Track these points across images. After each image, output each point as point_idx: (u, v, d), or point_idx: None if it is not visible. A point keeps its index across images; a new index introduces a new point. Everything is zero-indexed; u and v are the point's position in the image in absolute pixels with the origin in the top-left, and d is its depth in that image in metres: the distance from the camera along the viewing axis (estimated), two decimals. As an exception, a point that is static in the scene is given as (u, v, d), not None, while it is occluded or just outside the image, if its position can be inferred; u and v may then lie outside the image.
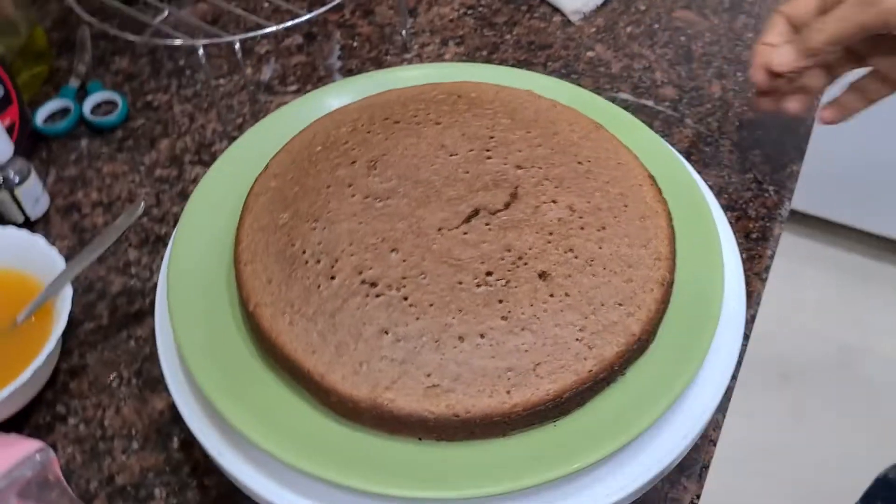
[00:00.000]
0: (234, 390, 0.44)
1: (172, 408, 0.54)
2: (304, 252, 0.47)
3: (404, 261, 0.46)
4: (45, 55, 0.80)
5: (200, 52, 0.61)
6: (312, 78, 0.78)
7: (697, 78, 0.77)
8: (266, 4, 0.86)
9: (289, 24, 0.63)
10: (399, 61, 0.80)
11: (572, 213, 0.49)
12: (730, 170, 0.69)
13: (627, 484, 0.43)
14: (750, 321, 0.59)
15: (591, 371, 0.42)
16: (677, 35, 0.82)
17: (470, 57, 0.80)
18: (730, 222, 0.63)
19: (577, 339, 0.43)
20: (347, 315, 0.44)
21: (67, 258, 0.63)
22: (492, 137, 0.53)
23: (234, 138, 0.72)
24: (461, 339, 0.43)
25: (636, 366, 0.45)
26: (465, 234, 0.47)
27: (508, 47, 0.81)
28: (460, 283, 0.45)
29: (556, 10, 0.85)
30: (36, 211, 0.66)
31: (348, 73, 0.79)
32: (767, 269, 0.63)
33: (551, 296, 0.44)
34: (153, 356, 0.58)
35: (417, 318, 0.43)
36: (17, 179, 0.64)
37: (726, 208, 0.66)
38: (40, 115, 0.74)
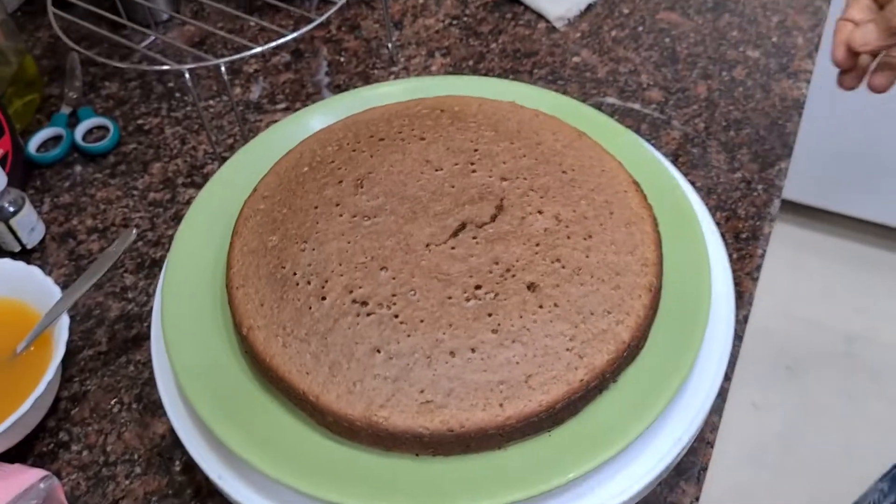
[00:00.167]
0: (232, 414, 0.44)
1: (173, 431, 0.54)
2: (294, 273, 0.47)
3: (394, 278, 0.46)
4: (36, 83, 0.81)
5: (187, 76, 0.61)
6: (301, 95, 0.79)
7: (683, 79, 0.78)
8: (252, 24, 0.86)
9: (273, 45, 0.63)
10: (386, 75, 0.81)
11: (558, 222, 0.49)
12: (718, 170, 0.70)
13: (624, 490, 0.44)
14: (742, 321, 0.59)
15: (582, 380, 0.43)
16: (662, 37, 0.82)
17: (456, 67, 0.81)
18: (719, 223, 0.64)
19: (567, 349, 0.44)
20: (339, 335, 0.44)
21: (65, 285, 0.64)
22: (476, 150, 0.53)
23: (226, 159, 0.73)
24: (452, 354, 0.43)
25: (627, 373, 0.45)
26: (453, 248, 0.48)
27: (494, 56, 0.82)
28: (450, 297, 0.45)
29: (540, 16, 0.85)
30: (32, 239, 0.67)
31: (336, 88, 0.80)
32: (759, 268, 0.64)
33: (540, 307, 0.45)
34: (152, 381, 0.58)
35: (409, 335, 0.44)
36: (11, 210, 0.65)
37: (715, 209, 0.67)
38: (33, 144, 0.75)
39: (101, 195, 0.72)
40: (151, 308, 0.63)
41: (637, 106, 0.75)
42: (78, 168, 0.74)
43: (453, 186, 0.51)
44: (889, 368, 1.64)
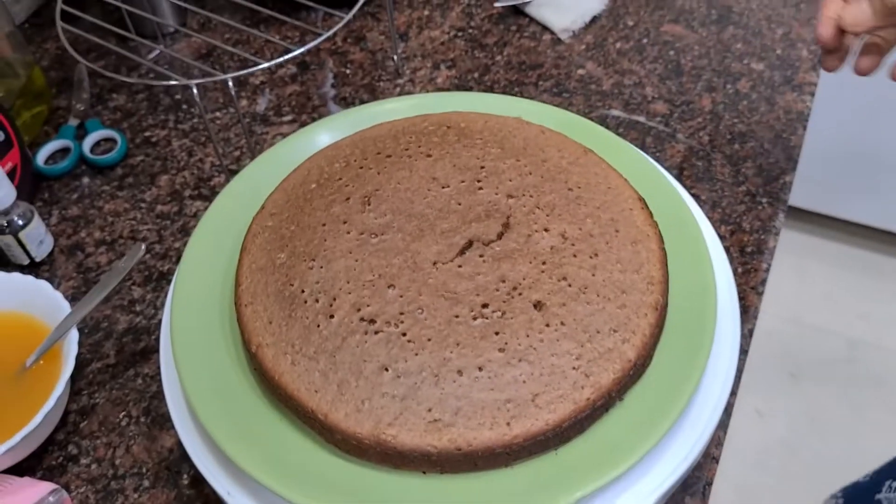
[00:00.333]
0: (241, 430, 0.45)
1: (181, 445, 0.54)
2: (302, 291, 0.48)
3: (401, 296, 0.47)
4: (44, 95, 0.82)
5: (195, 91, 0.62)
6: (307, 107, 0.79)
7: (688, 92, 0.78)
8: (258, 36, 0.87)
9: (281, 59, 0.64)
10: (392, 87, 0.81)
11: (564, 240, 0.49)
12: (723, 183, 0.70)
13: (630, 507, 0.44)
14: (748, 335, 0.60)
15: (589, 399, 0.43)
16: (666, 49, 0.83)
17: (462, 80, 0.81)
18: (724, 236, 0.64)
19: (573, 368, 0.44)
20: (348, 353, 0.45)
21: (73, 298, 0.65)
22: (482, 167, 0.54)
23: (233, 171, 0.73)
24: (460, 372, 0.44)
25: (634, 391, 0.46)
26: (460, 266, 0.48)
27: (500, 68, 0.82)
28: (457, 316, 0.46)
29: (545, 29, 0.86)
30: (40, 252, 0.67)
31: (342, 100, 0.80)
32: (763, 282, 0.64)
33: (547, 325, 0.45)
34: (160, 394, 0.59)
35: (416, 354, 0.44)
36: (20, 223, 0.65)
37: (720, 222, 0.67)
38: (41, 156, 0.76)
39: (109, 207, 0.72)
40: (159, 321, 0.63)
41: (642, 118, 0.76)
42: (86, 180, 0.75)
43: (460, 204, 0.51)
44: (892, 374, 1.63)
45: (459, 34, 0.86)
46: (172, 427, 0.55)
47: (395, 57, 0.83)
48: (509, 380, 0.43)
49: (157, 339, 0.62)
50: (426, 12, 0.89)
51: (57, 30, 0.70)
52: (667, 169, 0.59)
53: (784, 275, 1.77)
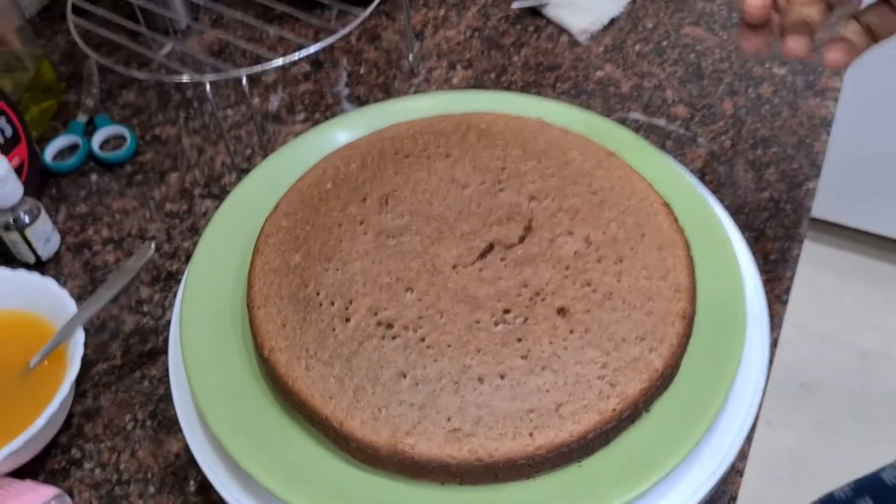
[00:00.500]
0: (251, 436, 0.43)
1: (188, 449, 0.53)
2: (317, 294, 0.46)
3: (420, 300, 0.45)
4: (54, 89, 0.80)
5: (207, 87, 0.60)
6: (321, 106, 0.78)
7: (709, 95, 0.76)
8: (271, 33, 0.85)
9: (297, 56, 0.62)
10: (406, 86, 0.80)
11: (588, 245, 0.48)
12: (745, 189, 0.68)
13: (655, 523, 0.42)
14: (773, 345, 0.58)
15: (615, 410, 0.41)
16: (686, 52, 0.81)
17: (478, 80, 0.80)
18: (748, 244, 0.63)
19: (599, 377, 0.42)
20: (364, 358, 0.43)
21: (79, 297, 0.63)
22: (503, 169, 0.52)
23: (244, 170, 0.72)
24: (481, 380, 0.42)
25: (660, 402, 0.44)
26: (481, 270, 0.46)
27: (516, 69, 0.81)
28: (478, 321, 0.44)
29: (563, 30, 0.84)
30: (47, 250, 0.66)
31: (356, 99, 0.78)
32: (788, 290, 0.62)
33: (571, 332, 0.44)
34: (167, 396, 0.57)
35: (436, 360, 0.43)
36: (27, 220, 0.64)
37: (743, 228, 0.65)
38: (49, 152, 0.74)
39: (118, 205, 0.71)
40: (167, 321, 0.62)
41: (662, 122, 0.74)
42: (94, 177, 0.73)
43: (480, 206, 0.50)
44: (905, 387, 1.62)
45: (476, 34, 0.85)
46: (180, 431, 0.54)
47: (411, 56, 0.81)
48: (532, 388, 0.42)
49: (165, 341, 0.61)
50: (442, 12, 0.88)
51: (68, 23, 0.68)
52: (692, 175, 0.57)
53: (795, 284, 1.75)
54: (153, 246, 0.56)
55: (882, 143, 1.54)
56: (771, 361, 0.57)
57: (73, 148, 0.75)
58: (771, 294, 0.61)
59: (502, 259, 0.47)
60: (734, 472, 0.52)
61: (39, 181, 0.72)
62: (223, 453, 0.46)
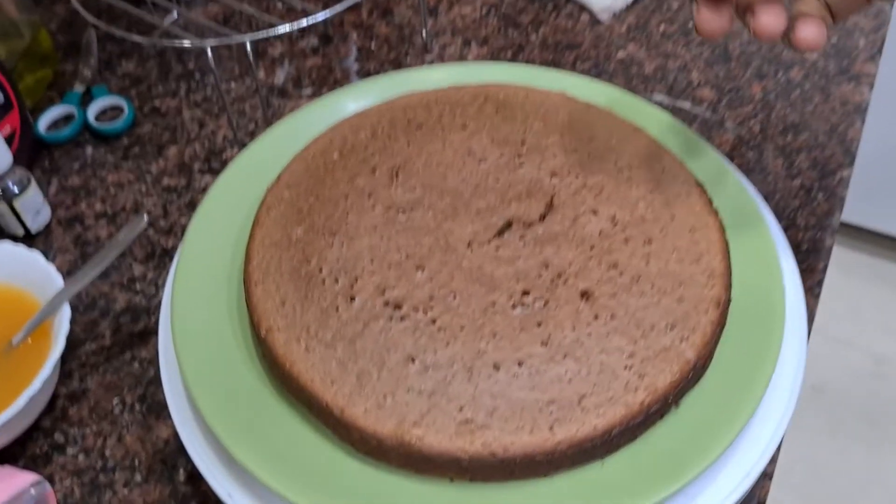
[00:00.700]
0: (244, 424, 0.40)
1: (178, 436, 0.50)
2: (320, 270, 0.42)
3: (431, 279, 0.41)
4: (50, 59, 0.77)
5: (209, 53, 0.57)
6: (328, 81, 0.74)
7: (736, 78, 0.73)
8: (279, 4, 0.82)
9: (303, 23, 0.58)
10: (419, 63, 0.76)
11: (614, 224, 0.44)
12: (775, 176, 0.65)
13: (683, 529, 0.39)
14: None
15: (642, 403, 0.38)
16: (714, 33, 0.77)
17: (494, 58, 0.76)
18: (780, 233, 0.59)
19: (625, 367, 0.39)
20: (370, 341, 0.39)
21: (69, 273, 0.60)
22: (523, 142, 0.48)
23: (246, 145, 0.68)
24: (496, 367, 0.38)
25: (690, 396, 0.40)
26: (498, 248, 0.43)
27: (534, 48, 0.77)
28: (494, 303, 0.40)
29: (583, 8, 0.80)
30: (37, 223, 0.62)
31: (366, 75, 0.75)
32: (820, 283, 0.58)
33: (595, 318, 0.40)
34: (158, 379, 0.54)
35: (447, 344, 0.39)
36: (16, 190, 0.60)
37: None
38: (43, 122, 0.71)
39: (113, 178, 0.67)
40: (160, 301, 0.58)
41: (687, 105, 0.70)
42: (89, 149, 0.70)
43: (498, 181, 0.46)
44: (919, 393, 1.58)
45: (492, 11, 0.81)
46: (170, 417, 0.51)
47: (424, 32, 0.77)
48: (553, 378, 0.38)
49: (157, 322, 0.57)
50: (457, -13, 0.84)
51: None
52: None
53: (809, 285, 1.71)
54: (146, 218, 0.52)
55: (889, 137, 1.49)
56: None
57: (68, 118, 0.72)
58: (802, 286, 0.57)
59: (521, 237, 0.43)
60: (763, 476, 0.48)
61: (31, 151, 0.68)
62: (215, 441, 0.42)
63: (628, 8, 0.80)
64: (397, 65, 0.76)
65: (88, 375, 0.54)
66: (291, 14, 0.81)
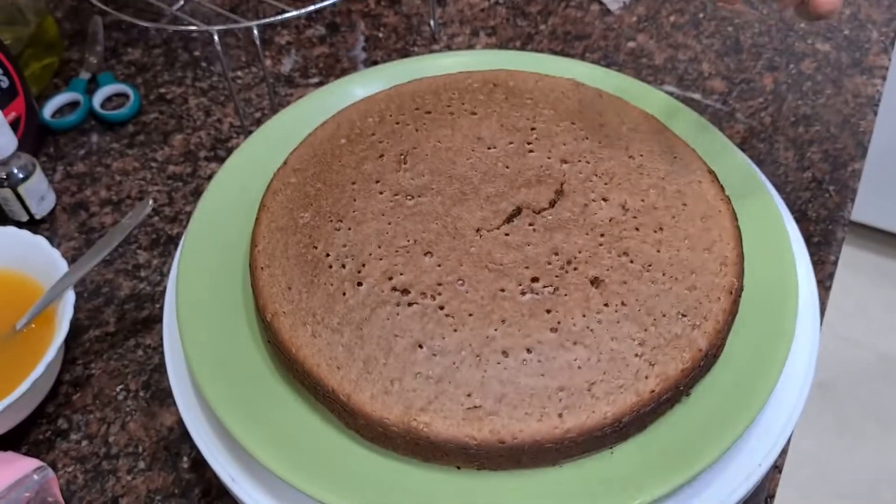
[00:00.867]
0: (249, 410, 0.39)
1: (182, 423, 0.49)
2: (327, 255, 0.42)
3: (439, 265, 0.41)
4: (56, 46, 0.76)
5: (216, 38, 0.56)
6: (335, 70, 0.74)
7: (747, 70, 0.72)
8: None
9: (312, 8, 0.58)
10: (427, 53, 0.75)
11: (625, 212, 0.44)
12: (786, 168, 0.64)
13: (692, 519, 0.38)
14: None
15: (653, 391, 0.37)
16: (724, 25, 0.76)
17: (502, 49, 0.75)
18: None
19: (636, 355, 0.38)
20: (377, 326, 0.39)
21: (73, 260, 0.59)
22: (533, 129, 0.48)
23: (252, 133, 0.68)
24: (505, 353, 0.38)
25: (702, 385, 0.40)
26: (507, 235, 0.42)
27: (543, 38, 0.76)
28: (503, 290, 0.40)
29: (593, -2, 0.80)
30: (41, 209, 0.62)
31: (373, 64, 0.74)
32: (831, 276, 0.58)
33: (606, 305, 0.39)
34: (162, 367, 0.53)
35: (455, 330, 0.38)
36: (21, 176, 0.60)
37: (784, 209, 0.61)
38: (48, 109, 0.70)
39: (118, 166, 0.67)
40: (164, 288, 0.58)
41: (698, 96, 0.70)
42: (94, 136, 0.69)
43: (508, 167, 0.45)
44: (926, 392, 1.57)
45: (501, 1, 0.80)
46: (174, 404, 0.50)
47: (432, 22, 0.77)
48: (562, 364, 0.38)
49: (162, 308, 0.56)
50: (465, -23, 0.83)
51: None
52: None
53: (816, 283, 1.70)
54: (151, 202, 0.52)
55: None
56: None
57: (73, 105, 0.72)
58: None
59: (531, 224, 0.42)
60: (773, 468, 0.48)
61: (36, 138, 0.68)
62: (219, 428, 0.42)
63: (638, -1, 0.79)
64: (405, 54, 0.75)
65: (92, 362, 0.54)
66: (300, 4, 0.80)
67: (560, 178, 0.45)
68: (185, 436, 0.50)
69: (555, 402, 0.37)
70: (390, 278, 0.40)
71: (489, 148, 0.46)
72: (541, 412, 0.36)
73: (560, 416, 0.36)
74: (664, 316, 0.39)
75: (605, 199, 0.44)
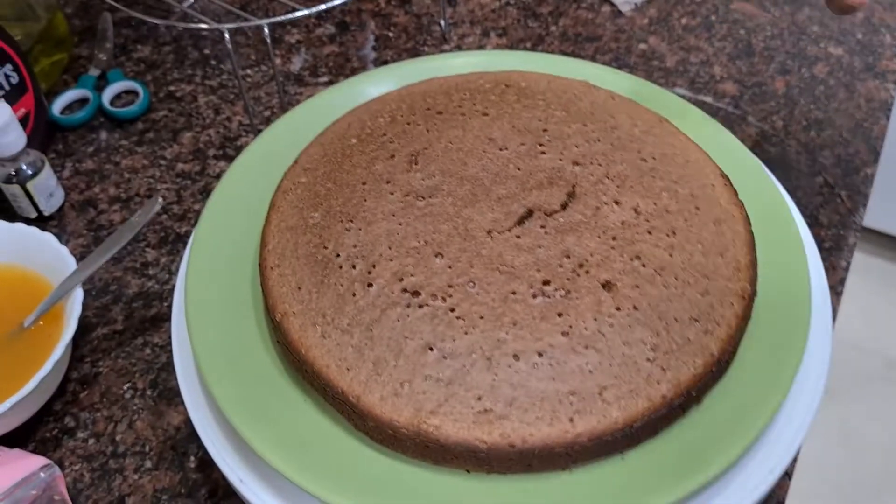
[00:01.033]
0: (258, 410, 0.39)
1: (190, 422, 0.49)
2: (337, 255, 0.42)
3: (450, 267, 0.41)
4: (66, 42, 0.76)
5: (227, 36, 0.56)
6: (345, 69, 0.74)
7: (759, 73, 0.72)
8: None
9: (323, 7, 0.58)
10: (437, 53, 0.75)
11: (637, 215, 0.43)
12: (798, 172, 0.64)
13: (703, 526, 0.38)
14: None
15: (665, 397, 0.37)
16: (736, 28, 0.76)
17: (513, 49, 0.75)
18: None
19: (648, 360, 0.38)
20: (387, 327, 0.39)
21: (81, 257, 0.59)
22: (545, 130, 0.48)
23: (262, 132, 0.68)
24: (516, 357, 0.37)
25: (714, 392, 0.39)
26: (518, 237, 0.42)
27: (554, 39, 0.76)
28: (514, 292, 0.39)
29: (604, 0, 0.79)
30: (49, 206, 0.62)
31: (383, 64, 0.74)
32: (842, 281, 0.57)
33: (617, 309, 0.39)
34: (170, 365, 0.53)
35: (466, 333, 0.38)
36: (29, 172, 0.60)
37: (796, 214, 0.61)
38: (57, 105, 0.70)
39: (127, 163, 0.66)
40: (173, 287, 0.58)
41: (709, 99, 0.69)
42: (103, 133, 0.69)
43: (519, 169, 0.45)
44: (932, 397, 1.56)
45: (512, 2, 0.80)
46: (181, 403, 0.50)
47: (443, 22, 0.77)
48: (573, 368, 0.37)
49: (170, 307, 0.56)
50: (476, -22, 0.83)
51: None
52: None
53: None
54: (160, 200, 0.52)
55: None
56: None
57: (82, 102, 0.71)
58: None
59: (542, 226, 0.42)
60: (783, 475, 0.47)
61: (45, 134, 0.68)
62: (227, 428, 0.41)
63: (650, 0, 0.79)
64: (415, 54, 0.75)
65: (100, 360, 0.54)
66: (310, 4, 0.80)
67: (572, 180, 0.45)
68: (192, 435, 0.50)
69: (566, 407, 0.36)
70: (401, 279, 0.40)
71: (501, 149, 0.46)
72: (552, 416, 0.36)
73: (571, 420, 0.36)
74: (676, 321, 0.39)
75: (617, 203, 0.44)
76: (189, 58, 0.75)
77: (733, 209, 0.44)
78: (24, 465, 0.46)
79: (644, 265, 0.41)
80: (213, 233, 0.46)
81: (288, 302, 0.40)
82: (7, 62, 0.63)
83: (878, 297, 1.72)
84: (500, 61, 0.55)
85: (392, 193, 0.44)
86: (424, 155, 0.46)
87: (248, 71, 0.74)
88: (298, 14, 0.57)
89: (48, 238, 0.53)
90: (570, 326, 0.38)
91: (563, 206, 0.43)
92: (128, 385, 0.53)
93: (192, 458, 0.49)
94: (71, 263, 0.52)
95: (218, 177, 0.65)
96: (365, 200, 0.44)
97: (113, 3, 0.60)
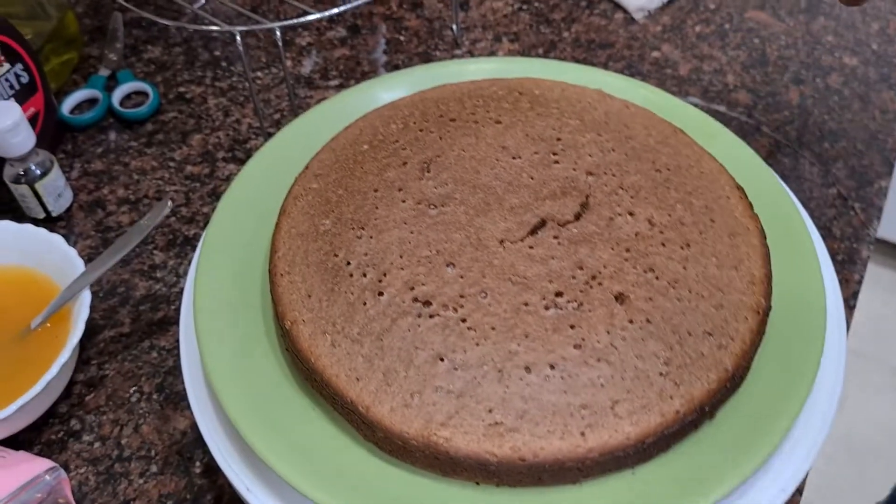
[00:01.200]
0: (266, 418, 0.38)
1: (196, 427, 0.49)
2: (348, 263, 0.41)
3: (462, 277, 0.40)
4: (76, 42, 0.76)
5: (238, 38, 0.56)
6: (356, 72, 0.73)
7: (773, 83, 0.71)
8: (308, -6, 0.81)
9: (336, 11, 0.57)
10: (448, 58, 0.75)
11: (651, 227, 0.43)
12: (811, 184, 0.63)
13: (714, 543, 0.37)
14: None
15: (677, 412, 0.36)
16: (750, 36, 0.76)
17: (525, 55, 0.75)
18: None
19: (661, 374, 0.37)
20: (397, 337, 0.38)
21: (89, 258, 0.59)
22: (559, 139, 0.47)
23: (272, 135, 0.67)
24: (528, 369, 0.37)
25: (727, 407, 0.39)
26: (531, 247, 0.41)
27: (566, 45, 0.75)
28: (526, 304, 0.39)
29: (618, 6, 0.79)
30: (58, 207, 0.62)
31: (394, 68, 0.74)
32: (855, 295, 0.57)
33: (630, 322, 0.39)
34: (177, 369, 0.53)
35: (477, 344, 0.38)
36: (38, 172, 0.59)
37: (809, 226, 0.60)
38: (67, 105, 0.70)
39: (136, 164, 0.66)
40: (180, 290, 0.58)
41: (723, 108, 0.69)
42: (112, 134, 0.69)
43: (532, 178, 0.45)
44: (940, 409, 1.55)
45: (524, 7, 0.80)
46: (187, 407, 0.50)
47: (454, 26, 0.76)
48: (585, 382, 0.37)
49: (178, 310, 0.56)
50: (489, -18, 0.83)
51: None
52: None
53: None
54: (170, 203, 0.51)
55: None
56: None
57: (92, 102, 0.71)
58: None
59: (555, 237, 0.42)
60: (795, 492, 0.47)
61: (55, 134, 0.67)
62: (234, 434, 0.41)
63: (663, 7, 0.79)
64: (426, 58, 0.75)
65: (106, 363, 0.54)
66: (321, 6, 0.80)
67: (585, 190, 0.44)
68: (198, 441, 0.49)
69: (577, 420, 0.36)
70: (412, 288, 0.40)
71: (514, 158, 0.46)
72: (563, 430, 0.36)
73: (582, 434, 0.36)
74: (690, 335, 0.39)
75: (631, 214, 0.43)
76: (199, 59, 0.75)
77: (748, 222, 0.44)
78: (29, 467, 0.46)
79: (658, 277, 0.40)
80: (223, 237, 0.46)
81: (298, 310, 0.40)
82: (18, 61, 0.63)
83: (888, 306, 1.71)
84: (515, 68, 0.55)
85: (404, 201, 0.44)
86: (437, 163, 0.46)
87: (259, 73, 0.73)
88: (310, 17, 0.57)
89: (56, 240, 0.53)
90: (583, 339, 0.38)
91: (577, 217, 0.43)
92: (134, 388, 0.52)
93: (198, 464, 0.49)
94: (79, 265, 0.52)
95: (227, 179, 0.64)
96: (376, 208, 0.43)
97: (124, 3, 0.59)
